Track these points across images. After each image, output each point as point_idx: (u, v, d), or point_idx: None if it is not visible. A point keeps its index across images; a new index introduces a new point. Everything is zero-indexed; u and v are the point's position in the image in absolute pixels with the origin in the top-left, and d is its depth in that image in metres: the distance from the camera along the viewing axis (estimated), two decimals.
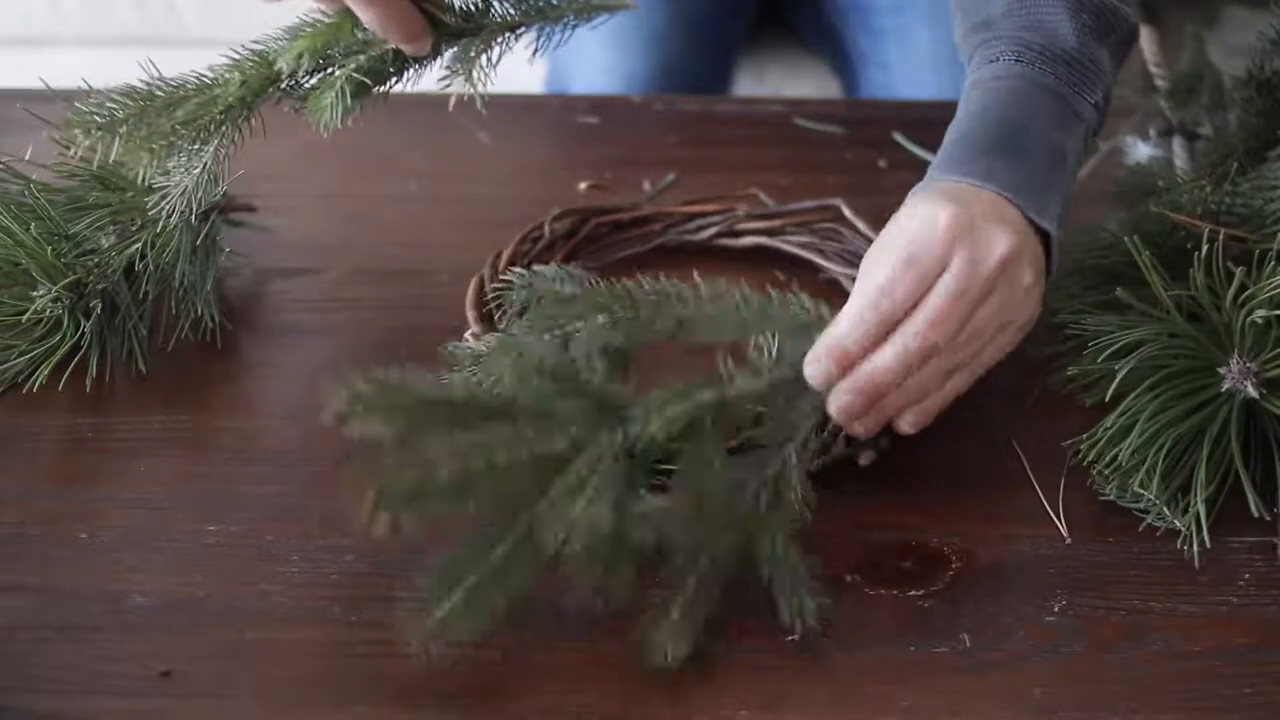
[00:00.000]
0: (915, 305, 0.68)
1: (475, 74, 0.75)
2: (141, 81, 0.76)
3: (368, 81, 0.76)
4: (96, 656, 0.64)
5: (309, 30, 0.76)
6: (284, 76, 0.77)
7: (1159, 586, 0.68)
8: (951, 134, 0.77)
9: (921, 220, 0.69)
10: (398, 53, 0.76)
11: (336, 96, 0.74)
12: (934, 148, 0.78)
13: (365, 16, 0.74)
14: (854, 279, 0.72)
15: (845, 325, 0.68)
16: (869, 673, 0.64)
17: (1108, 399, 0.72)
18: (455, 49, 0.77)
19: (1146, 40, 0.96)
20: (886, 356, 0.68)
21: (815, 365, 0.68)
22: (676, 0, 1.29)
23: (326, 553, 0.69)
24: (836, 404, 0.68)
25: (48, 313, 0.78)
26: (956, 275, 0.68)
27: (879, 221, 0.76)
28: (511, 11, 0.77)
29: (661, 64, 1.27)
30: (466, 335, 0.79)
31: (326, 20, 0.76)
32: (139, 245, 0.81)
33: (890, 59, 1.30)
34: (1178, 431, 0.70)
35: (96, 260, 0.80)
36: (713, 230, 0.91)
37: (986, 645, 0.65)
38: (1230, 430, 0.70)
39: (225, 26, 1.86)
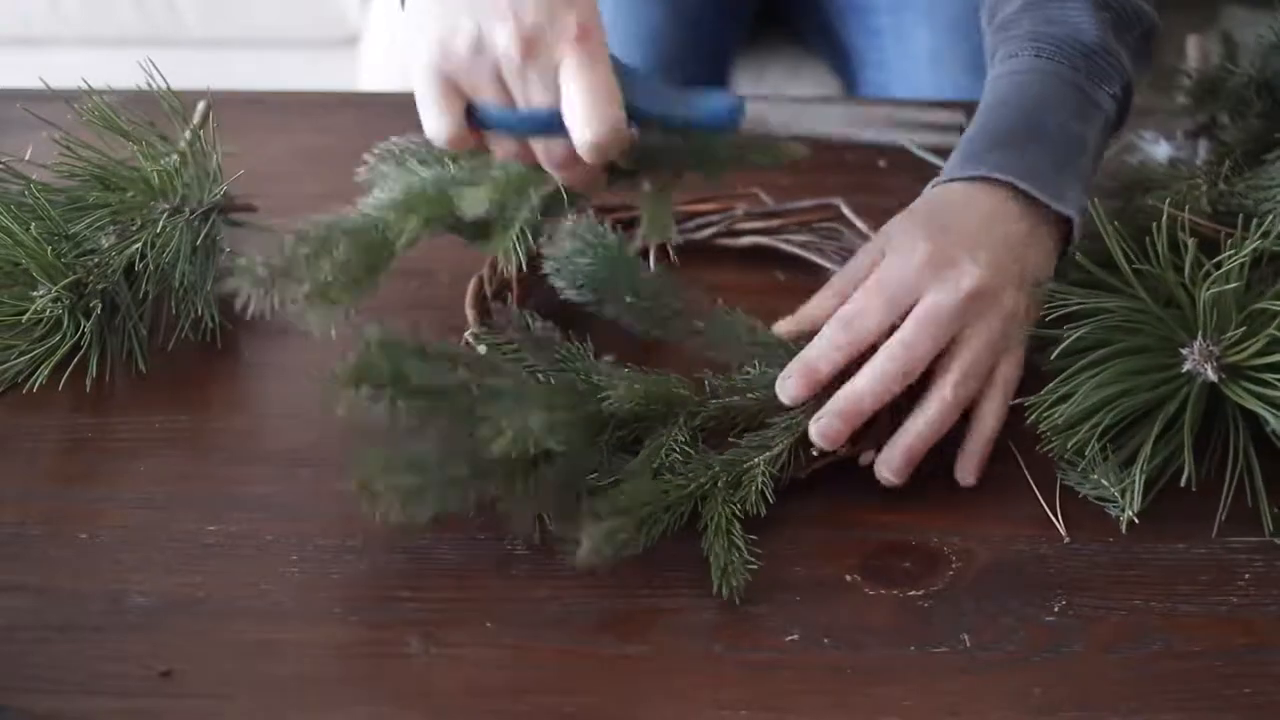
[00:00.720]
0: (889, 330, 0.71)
1: (669, 222, 0.72)
2: (309, 223, 0.73)
3: (541, 219, 0.75)
4: (96, 656, 0.64)
5: (496, 178, 0.73)
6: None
7: (1159, 586, 0.68)
8: (970, 129, 0.79)
9: (901, 252, 0.73)
10: (569, 190, 0.75)
11: (517, 240, 0.73)
12: (934, 147, 0.78)
13: (557, 175, 0.72)
14: None
15: (817, 347, 0.71)
16: (869, 673, 0.64)
17: (1052, 358, 0.72)
18: (641, 193, 0.74)
19: (1191, 45, 0.96)
20: (863, 378, 0.70)
21: (784, 384, 0.71)
22: (673, 0, 1.29)
23: (326, 553, 0.69)
24: (817, 429, 0.70)
25: (48, 313, 0.78)
26: (928, 305, 0.71)
27: (879, 220, 0.77)
28: (684, 158, 0.74)
29: (658, 64, 1.27)
30: (466, 335, 0.79)
31: (509, 171, 0.74)
32: (139, 245, 0.80)
33: (888, 58, 1.29)
34: (1131, 403, 0.70)
35: (96, 260, 0.80)
36: (712, 230, 0.90)
37: (986, 645, 0.65)
38: (1186, 412, 0.70)
39: (225, 26, 1.86)
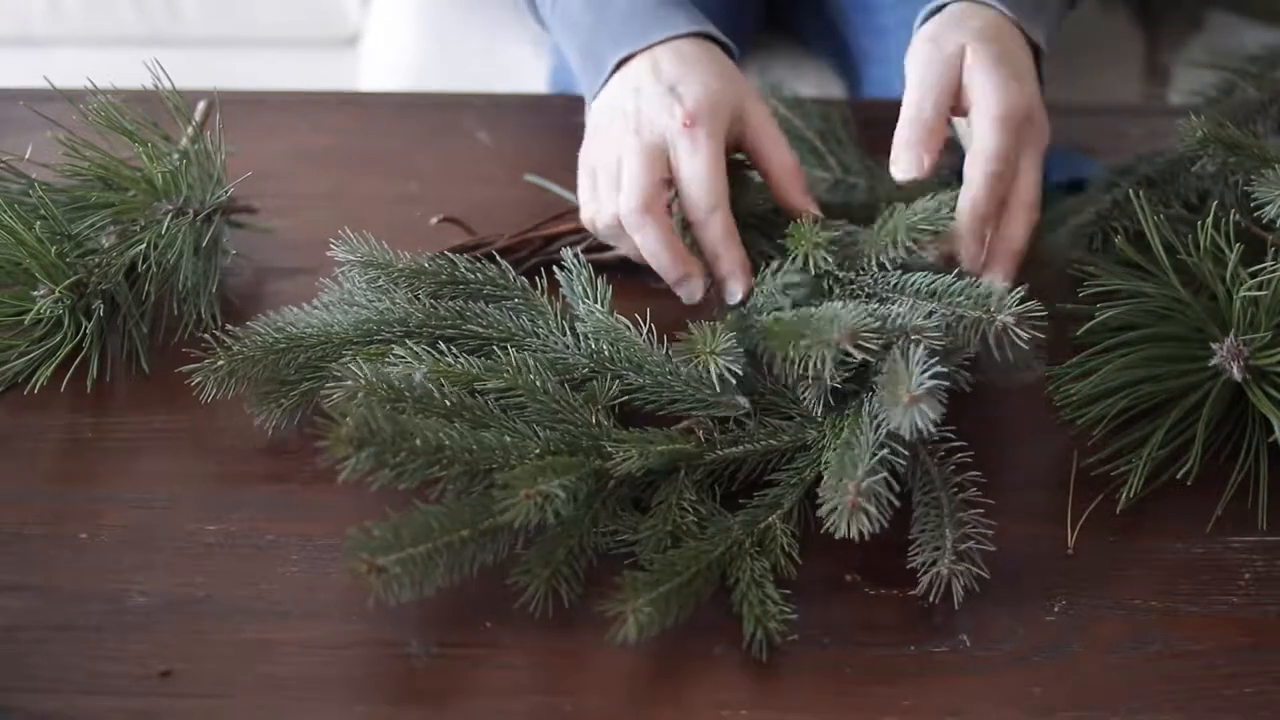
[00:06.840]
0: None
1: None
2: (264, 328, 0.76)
3: None
4: (96, 656, 0.64)
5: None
6: None
7: (1159, 586, 0.68)
8: None
9: (1013, 94, 0.77)
10: None
11: None
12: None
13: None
14: None
15: (981, 203, 0.75)
16: (869, 673, 0.64)
17: (1079, 333, 0.73)
18: None
19: None
20: (1020, 222, 0.77)
21: (968, 250, 0.75)
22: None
23: (326, 552, 0.69)
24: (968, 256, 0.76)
25: (49, 313, 0.78)
26: (1032, 156, 0.78)
27: None
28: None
29: None
30: None
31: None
32: (142, 247, 0.80)
33: (892, 54, 1.29)
34: (1152, 389, 0.71)
35: (98, 260, 0.80)
36: (581, 248, 0.85)
37: (986, 645, 0.65)
38: (1205, 406, 0.70)
39: (225, 26, 1.86)
